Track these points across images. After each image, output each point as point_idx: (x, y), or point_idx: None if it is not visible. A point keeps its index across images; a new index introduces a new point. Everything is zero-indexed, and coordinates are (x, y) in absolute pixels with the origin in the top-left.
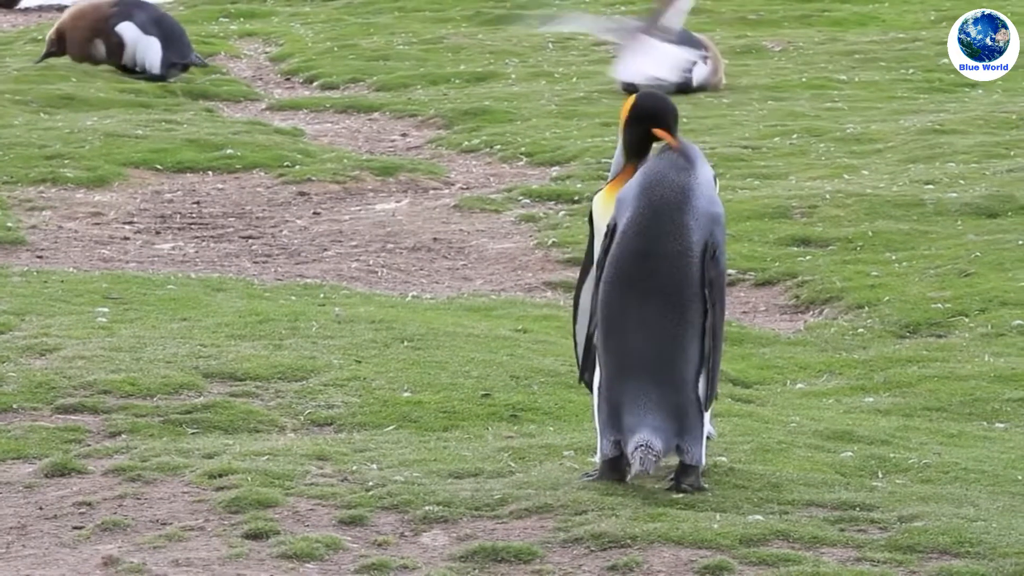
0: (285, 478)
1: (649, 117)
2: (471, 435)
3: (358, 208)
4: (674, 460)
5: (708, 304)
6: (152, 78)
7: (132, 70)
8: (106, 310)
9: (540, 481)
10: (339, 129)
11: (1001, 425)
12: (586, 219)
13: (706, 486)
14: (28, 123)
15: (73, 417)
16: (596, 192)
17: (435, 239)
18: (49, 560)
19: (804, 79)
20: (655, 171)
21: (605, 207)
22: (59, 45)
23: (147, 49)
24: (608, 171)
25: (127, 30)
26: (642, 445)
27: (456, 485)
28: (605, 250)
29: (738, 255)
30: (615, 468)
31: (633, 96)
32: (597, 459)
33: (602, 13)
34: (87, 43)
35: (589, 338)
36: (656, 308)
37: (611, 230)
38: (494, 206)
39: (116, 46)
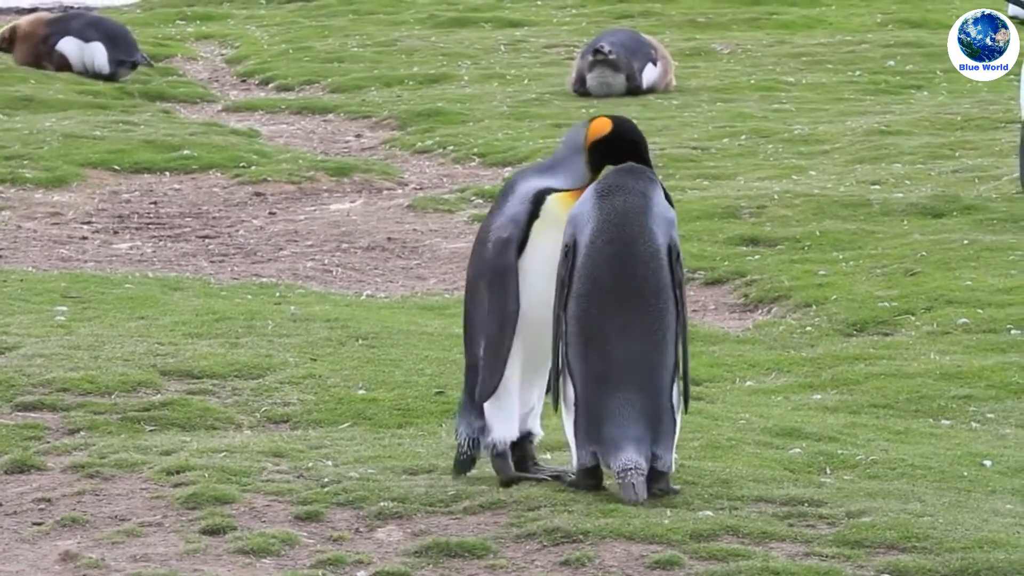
0: (242, 474)
1: (631, 147)
2: (425, 432)
3: (313, 208)
4: None
5: (679, 305)
6: (104, 78)
7: (85, 74)
8: (65, 309)
9: (493, 477)
10: (294, 130)
11: (947, 422)
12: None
13: (677, 487)
14: None
15: (32, 414)
16: (539, 190)
17: (389, 239)
18: (8, 556)
19: (752, 81)
20: (610, 181)
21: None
22: (8, 46)
23: (93, 54)
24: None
25: (67, 46)
26: (631, 469)
27: (410, 481)
28: (569, 268)
29: (688, 254)
30: (592, 475)
31: (606, 120)
32: (572, 467)
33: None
34: (35, 63)
35: (556, 357)
36: (638, 313)
37: (571, 248)
38: (447, 206)
39: (62, 64)
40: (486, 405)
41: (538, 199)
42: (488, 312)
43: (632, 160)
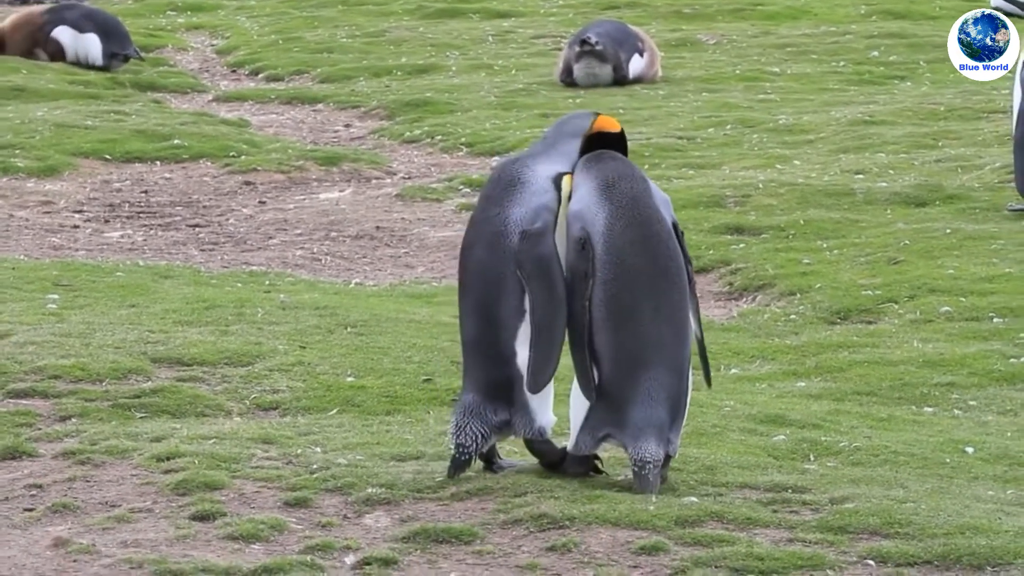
0: (231, 461)
1: (625, 149)
2: (413, 419)
3: (302, 197)
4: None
5: (690, 282)
6: (97, 70)
7: (78, 64)
8: (56, 297)
9: (478, 465)
10: (284, 120)
11: (929, 409)
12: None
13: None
14: None
15: (24, 401)
16: (556, 175)
17: (378, 227)
18: (0, 541)
19: (738, 71)
20: (609, 172)
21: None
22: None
23: (88, 46)
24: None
25: (62, 34)
26: (650, 462)
27: (398, 468)
28: (591, 259)
29: None
30: (583, 463)
31: (614, 120)
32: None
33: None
34: (28, 52)
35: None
36: (666, 293)
37: (586, 240)
38: (435, 195)
39: (56, 51)
40: (532, 394)
41: (557, 183)
42: (535, 303)
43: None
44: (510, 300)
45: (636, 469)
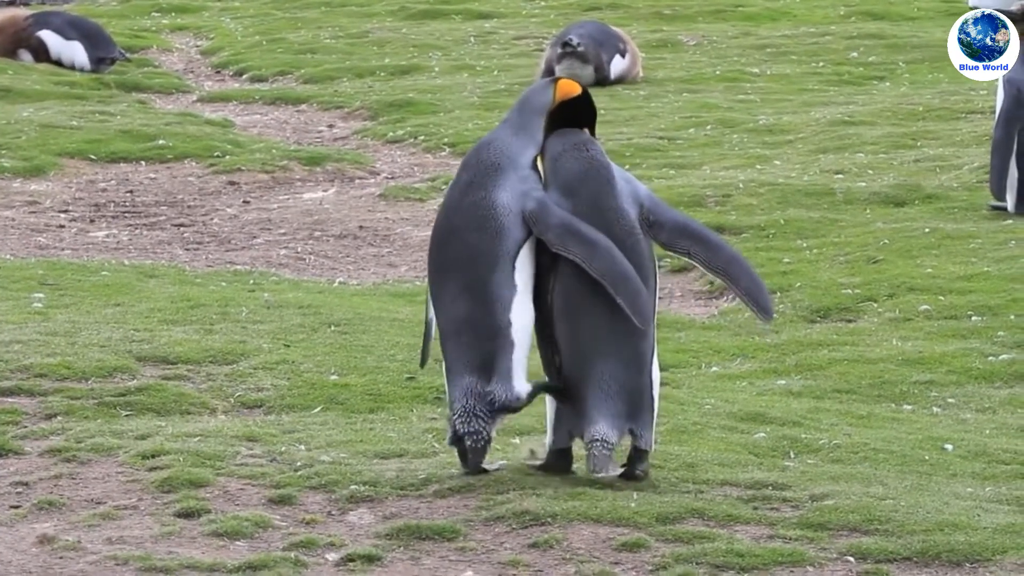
0: (216, 459)
1: (592, 110)
2: (396, 417)
3: (286, 197)
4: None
5: (684, 252)
6: (85, 73)
7: (62, 66)
8: (42, 296)
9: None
10: (268, 120)
11: (908, 407)
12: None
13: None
14: None
15: (10, 399)
16: (533, 159)
17: (361, 227)
18: None
19: (718, 72)
20: (573, 176)
21: None
22: None
23: (73, 53)
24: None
25: (48, 36)
26: (598, 440)
27: (382, 465)
28: (552, 255)
29: None
30: (564, 457)
31: (573, 83)
32: (545, 447)
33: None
34: (12, 54)
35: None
36: None
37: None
38: (418, 195)
39: (41, 51)
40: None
41: (535, 166)
42: (585, 261)
43: (588, 123)
44: (502, 276)
45: (587, 449)
